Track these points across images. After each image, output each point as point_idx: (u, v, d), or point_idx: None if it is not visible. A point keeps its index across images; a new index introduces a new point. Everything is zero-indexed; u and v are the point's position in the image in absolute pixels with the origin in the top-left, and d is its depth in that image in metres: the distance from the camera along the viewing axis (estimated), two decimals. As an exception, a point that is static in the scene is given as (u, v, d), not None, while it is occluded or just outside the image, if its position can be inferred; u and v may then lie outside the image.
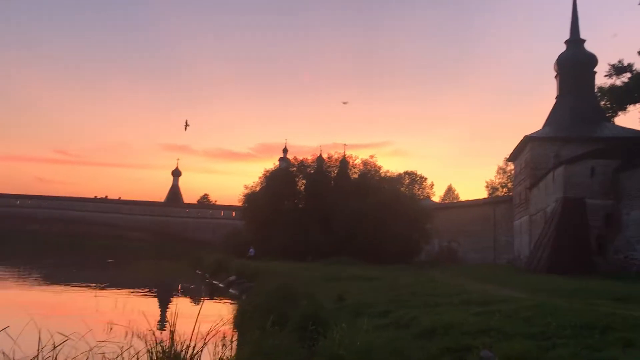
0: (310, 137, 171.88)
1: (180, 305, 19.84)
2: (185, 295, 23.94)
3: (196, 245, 76.73)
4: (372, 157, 54.38)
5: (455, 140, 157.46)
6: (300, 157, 55.52)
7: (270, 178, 51.97)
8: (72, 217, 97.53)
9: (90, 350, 4.54)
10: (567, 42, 45.32)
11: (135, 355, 4.68)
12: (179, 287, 28.57)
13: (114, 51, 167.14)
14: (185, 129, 65.96)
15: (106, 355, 4.51)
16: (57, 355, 4.23)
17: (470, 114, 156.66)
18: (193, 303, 20.12)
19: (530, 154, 40.60)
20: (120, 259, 54.14)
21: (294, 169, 53.31)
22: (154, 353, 4.67)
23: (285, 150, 77.34)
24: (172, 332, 4.83)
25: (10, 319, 4.38)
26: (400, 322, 10.96)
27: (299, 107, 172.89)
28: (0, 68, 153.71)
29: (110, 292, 23.08)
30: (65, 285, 25.12)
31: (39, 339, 4.35)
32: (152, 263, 50.61)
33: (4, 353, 4.09)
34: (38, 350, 4.25)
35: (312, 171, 52.19)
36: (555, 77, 45.18)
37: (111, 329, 10.46)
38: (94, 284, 26.82)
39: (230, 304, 20.00)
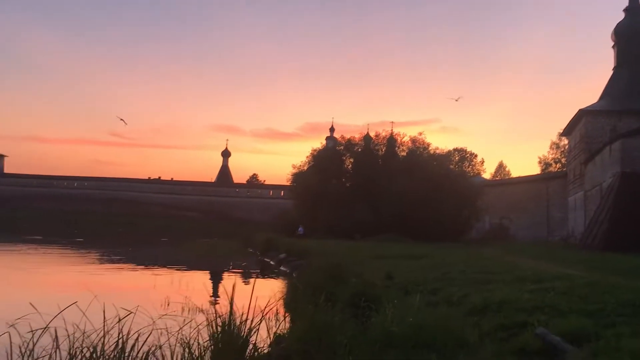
0: (357, 116, 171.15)
1: (234, 281, 20.34)
2: (238, 272, 24.49)
3: (246, 225, 78.08)
4: (420, 134, 53.79)
5: (506, 115, 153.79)
6: (347, 136, 55.41)
7: (318, 157, 52.17)
8: (128, 198, 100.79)
9: (154, 322, 4.74)
10: (625, 10, 43.25)
11: (197, 328, 4.87)
12: (231, 265, 29.23)
13: (164, 34, 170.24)
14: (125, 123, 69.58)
15: (168, 328, 4.70)
16: (122, 327, 4.44)
17: (522, 88, 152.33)
18: (246, 280, 20.58)
19: (585, 128, 39.24)
20: (174, 238, 55.71)
21: (341, 147, 53.32)
22: (214, 326, 4.84)
23: (332, 130, 77.34)
24: (231, 306, 4.98)
25: (76, 295, 4.61)
26: (450, 300, 10.90)
27: (345, 86, 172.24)
28: (58, 54, 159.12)
29: (165, 270, 23.86)
30: (123, 263, 26.10)
31: (104, 313, 4.56)
32: (204, 242, 51.88)
33: (75, 325, 4.33)
34: (104, 323, 4.46)
35: (359, 149, 52.05)
36: (613, 47, 43.29)
37: (168, 304, 10.86)
38: (149, 262, 27.80)
39: (282, 281, 20.36)
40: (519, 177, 62.14)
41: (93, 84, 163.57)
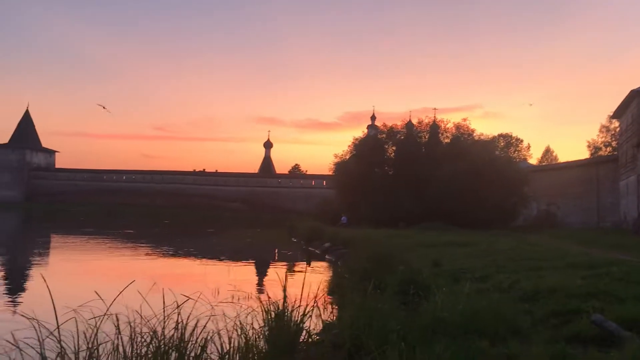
0: (398, 104, 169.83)
1: (280, 270, 20.63)
2: (284, 262, 24.76)
3: (289, 215, 78.65)
4: (464, 120, 52.77)
5: (553, 99, 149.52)
6: (389, 124, 54.93)
7: (360, 146, 51.96)
8: (173, 190, 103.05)
9: (213, 308, 4.87)
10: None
11: (251, 314, 4.98)
12: (276, 254, 29.59)
13: (206, 29, 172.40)
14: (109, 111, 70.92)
15: (225, 314, 4.82)
16: (180, 312, 4.58)
17: (569, 71, 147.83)
18: (292, 269, 20.81)
19: (638, 109, 37.81)
20: (219, 229, 56.66)
21: (383, 135, 52.91)
22: (269, 313, 4.94)
23: (373, 118, 77.06)
24: (284, 293, 5.07)
25: (136, 283, 4.76)
26: (500, 287, 10.76)
27: (385, 74, 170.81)
28: (104, 52, 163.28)
29: (212, 260, 24.33)
30: (173, 254, 26.73)
31: (163, 299, 4.70)
32: (249, 232, 52.59)
33: (136, 311, 4.49)
34: (163, 309, 4.60)
35: (401, 137, 51.57)
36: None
37: (219, 292, 11.09)
38: (197, 253, 28.42)
39: (327, 269, 20.48)
40: (567, 162, 60.40)
41: (138, 79, 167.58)
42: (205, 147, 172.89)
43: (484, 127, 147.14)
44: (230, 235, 47.05)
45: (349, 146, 53.94)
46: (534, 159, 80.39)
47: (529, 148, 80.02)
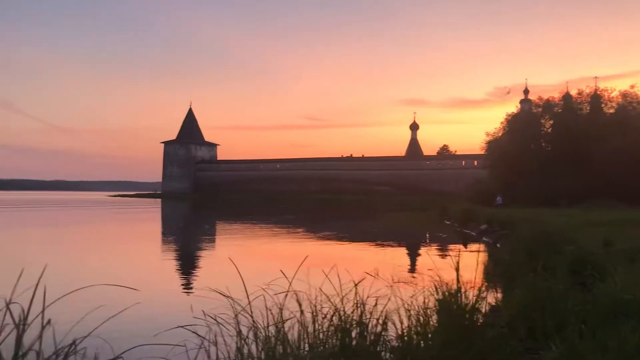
0: (553, 75, 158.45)
1: (449, 251, 20.58)
2: (438, 244, 24.59)
3: (438, 196, 77.54)
4: (632, 87, 47.90)
5: None
6: (544, 97, 51.65)
7: (513, 122, 49.64)
8: (324, 176, 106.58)
9: (391, 286, 5.09)
10: None
11: (423, 292, 5.12)
12: (428, 237, 29.45)
13: (343, 16, 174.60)
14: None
15: (398, 294, 5.01)
16: (357, 290, 4.82)
17: None
18: (446, 251, 20.61)
19: None
20: (369, 212, 57.60)
21: (539, 109, 49.89)
22: (446, 294, 5.04)
23: (526, 91, 73.03)
24: (457, 273, 5.13)
25: (311, 264, 5.08)
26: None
27: (537, 44, 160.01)
28: (254, 49, 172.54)
29: (367, 242, 24.89)
30: (331, 237, 27.77)
31: (339, 278, 4.96)
32: (399, 214, 52.78)
33: (318, 289, 4.80)
34: (340, 287, 4.87)
35: (559, 110, 48.26)
36: None
37: (377, 274, 11.37)
38: (352, 236, 29.24)
39: (485, 251, 19.98)
40: None
41: (287, 73, 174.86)
42: (353, 133, 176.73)
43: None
44: (380, 218, 47.60)
45: (502, 122, 51.83)
46: None
47: None
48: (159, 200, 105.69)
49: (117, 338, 4.69)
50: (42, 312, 3.25)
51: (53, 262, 16.66)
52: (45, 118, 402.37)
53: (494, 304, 7.47)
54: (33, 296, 3.27)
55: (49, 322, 3.26)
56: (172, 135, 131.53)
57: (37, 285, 3.26)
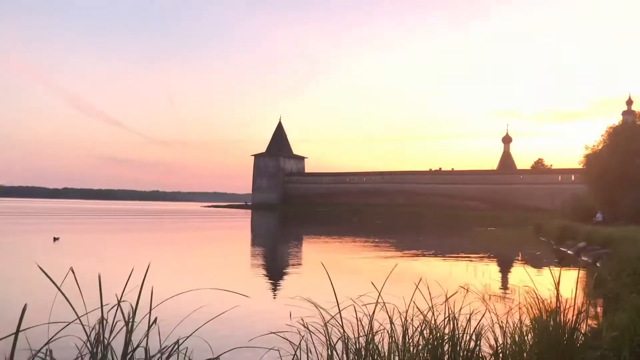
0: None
1: (529, 269, 19.74)
2: (532, 261, 23.56)
3: (531, 213, 74.27)
4: None
5: None
6: (650, 108, 48.26)
7: (615, 134, 46.72)
8: (411, 190, 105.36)
9: (485, 301, 4.97)
10: None
11: (520, 309, 4.96)
12: (520, 254, 28.34)
13: (429, 27, 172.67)
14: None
15: (492, 309, 4.89)
16: (448, 305, 4.74)
17: None
18: (541, 268, 19.69)
19: None
20: (458, 227, 56.20)
21: (645, 121, 46.75)
22: (543, 312, 4.86)
23: (629, 102, 68.58)
24: (557, 292, 4.93)
25: (400, 278, 5.05)
26: None
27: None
28: (344, 61, 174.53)
29: (457, 257, 24.32)
30: (419, 252, 27.36)
31: (429, 291, 4.90)
32: (489, 231, 51.10)
33: (406, 302, 4.76)
34: (430, 300, 4.81)
35: (667, 122, 45.01)
36: None
37: (468, 290, 11.07)
38: (440, 250, 28.66)
39: (584, 271, 18.91)
40: None
41: (375, 85, 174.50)
42: (442, 146, 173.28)
43: None
44: (471, 233, 46.32)
45: (602, 136, 48.86)
46: None
47: None
48: (249, 211, 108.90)
49: (215, 338, 4.89)
50: (150, 311, 3.46)
51: (155, 264, 17.61)
52: (145, 132, 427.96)
53: (594, 325, 7.08)
54: (139, 297, 3.49)
55: (155, 320, 3.47)
56: (262, 148, 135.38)
57: (142, 285, 3.46)
